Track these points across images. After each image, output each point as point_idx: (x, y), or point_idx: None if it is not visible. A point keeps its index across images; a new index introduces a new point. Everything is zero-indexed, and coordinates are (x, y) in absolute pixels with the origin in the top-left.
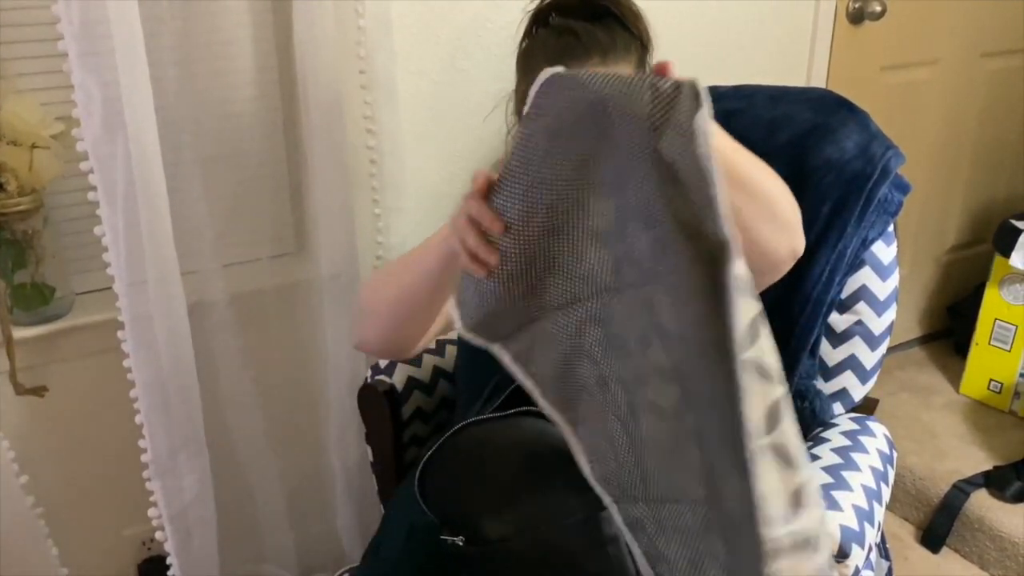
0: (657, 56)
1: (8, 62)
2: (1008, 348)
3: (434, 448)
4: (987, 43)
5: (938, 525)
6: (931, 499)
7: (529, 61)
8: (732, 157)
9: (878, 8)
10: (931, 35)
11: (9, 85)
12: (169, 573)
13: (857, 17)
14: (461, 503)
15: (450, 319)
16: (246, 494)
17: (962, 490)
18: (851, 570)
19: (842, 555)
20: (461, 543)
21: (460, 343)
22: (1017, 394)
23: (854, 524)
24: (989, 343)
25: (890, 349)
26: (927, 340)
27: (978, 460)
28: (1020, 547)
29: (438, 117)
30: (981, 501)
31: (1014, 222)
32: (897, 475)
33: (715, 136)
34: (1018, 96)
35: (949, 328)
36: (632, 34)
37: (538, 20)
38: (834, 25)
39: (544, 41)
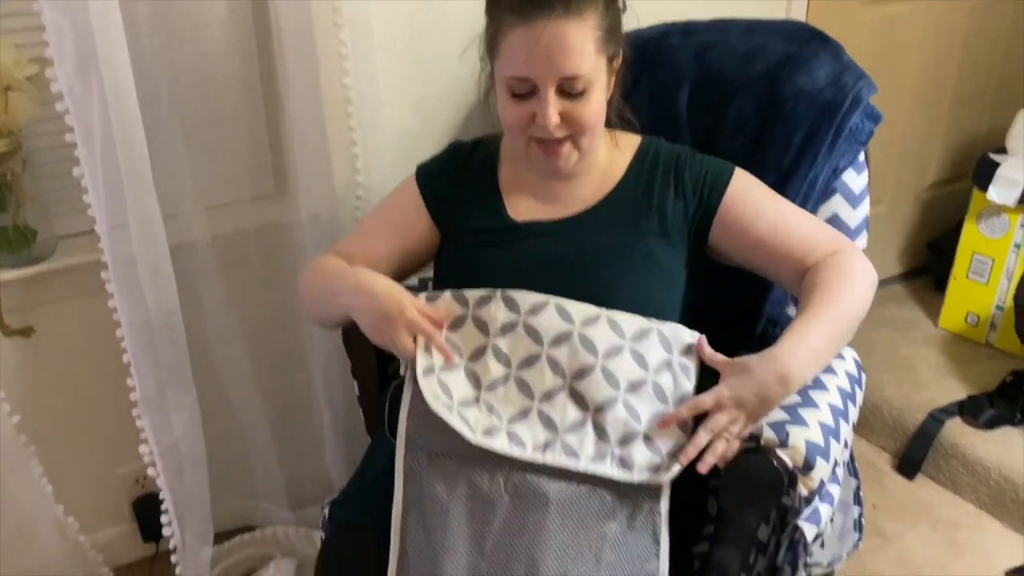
0: None
1: None
2: (985, 281)
3: (392, 388)
4: None
5: (913, 453)
6: (907, 428)
7: (494, 9)
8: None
9: None
10: None
11: None
12: (162, 508)
13: None
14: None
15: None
16: (236, 432)
17: (937, 419)
18: (816, 482)
19: (807, 468)
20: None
21: (437, 281)
22: (993, 326)
23: (819, 440)
24: (967, 277)
25: None
26: (908, 277)
27: (954, 390)
28: (992, 472)
29: (413, 57)
30: (955, 429)
31: (992, 156)
32: (874, 406)
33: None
34: (1000, 31)
35: (929, 264)
36: None
37: None
38: None
39: None
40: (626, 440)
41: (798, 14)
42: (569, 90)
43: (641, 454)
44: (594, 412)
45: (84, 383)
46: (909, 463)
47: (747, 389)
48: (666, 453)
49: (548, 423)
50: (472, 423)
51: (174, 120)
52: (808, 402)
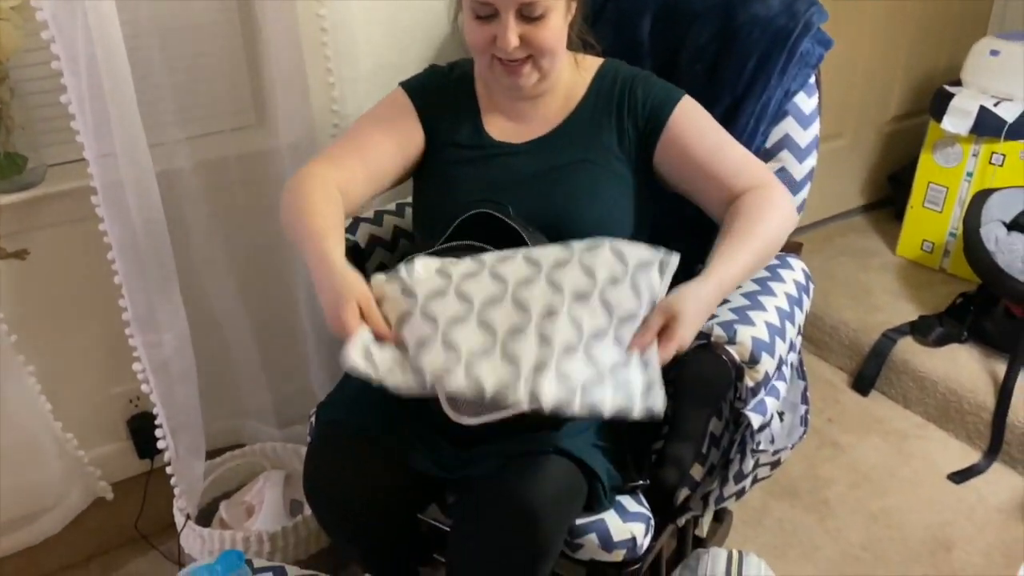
0: None
1: None
2: (940, 209)
3: (387, 277)
4: None
5: (867, 370)
6: (863, 348)
7: None
8: (729, 285)
9: None
10: None
11: None
12: (156, 422)
13: None
14: None
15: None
16: (223, 352)
17: (890, 338)
18: (761, 375)
19: (753, 361)
20: None
21: (416, 195)
22: (947, 252)
23: (765, 336)
24: (923, 206)
25: (832, 218)
26: (869, 208)
27: (907, 312)
28: (939, 385)
29: None
30: (907, 347)
31: (948, 88)
32: (832, 328)
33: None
34: None
35: (890, 196)
36: None
37: None
38: None
39: None
40: (590, 384)
41: None
42: (528, 14)
43: (607, 398)
44: (559, 354)
45: (78, 305)
46: (863, 380)
47: (688, 312)
48: (637, 391)
49: (512, 360)
50: (424, 366)
51: (156, 50)
52: (756, 305)
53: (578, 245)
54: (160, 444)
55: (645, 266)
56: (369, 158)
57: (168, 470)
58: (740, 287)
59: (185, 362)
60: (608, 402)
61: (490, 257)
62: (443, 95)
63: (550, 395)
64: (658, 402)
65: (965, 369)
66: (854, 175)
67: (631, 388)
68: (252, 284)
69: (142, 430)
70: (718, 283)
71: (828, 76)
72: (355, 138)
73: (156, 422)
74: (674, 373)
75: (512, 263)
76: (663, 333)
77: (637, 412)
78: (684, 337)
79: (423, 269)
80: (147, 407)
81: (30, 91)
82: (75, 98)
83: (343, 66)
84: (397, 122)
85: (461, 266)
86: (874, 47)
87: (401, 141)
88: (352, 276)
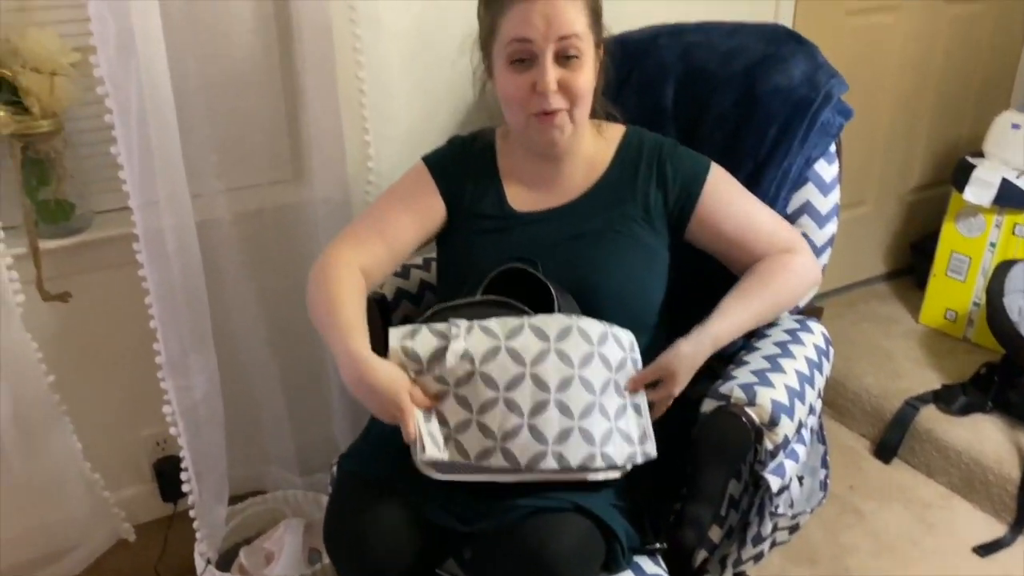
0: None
1: None
2: (963, 279)
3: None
4: None
5: (890, 438)
6: (885, 415)
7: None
8: (724, 341)
9: None
10: None
11: (32, 17)
12: (182, 466)
13: None
14: None
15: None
16: (251, 399)
17: (913, 406)
18: (780, 437)
19: (772, 424)
20: None
21: (440, 259)
22: (971, 322)
23: (784, 399)
24: (946, 274)
25: (855, 284)
26: (892, 276)
27: (930, 380)
28: (963, 456)
29: (421, 51)
30: (930, 416)
31: (969, 159)
32: (854, 394)
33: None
34: (980, 40)
35: (912, 265)
36: None
37: None
38: None
39: None
40: (606, 439)
41: (785, 22)
42: (564, 54)
43: (619, 448)
44: (579, 418)
45: (114, 347)
46: (886, 448)
47: (682, 368)
48: (636, 438)
49: (539, 436)
50: (468, 448)
51: (202, 107)
52: (776, 367)
53: (571, 316)
54: (184, 488)
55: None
56: (391, 236)
57: (191, 514)
58: (759, 349)
59: (213, 407)
60: (620, 453)
61: (501, 329)
62: (465, 166)
63: (576, 458)
64: (653, 448)
65: (990, 440)
66: (877, 242)
67: (631, 435)
68: (281, 333)
69: (167, 473)
70: (713, 341)
71: (850, 144)
72: (377, 217)
73: (182, 465)
74: (693, 434)
75: (523, 337)
76: (655, 384)
77: (640, 457)
78: (674, 392)
79: (452, 358)
80: (173, 450)
81: (82, 142)
82: (124, 149)
83: (379, 125)
84: (418, 198)
85: (480, 345)
86: (896, 117)
87: (422, 217)
88: (388, 369)
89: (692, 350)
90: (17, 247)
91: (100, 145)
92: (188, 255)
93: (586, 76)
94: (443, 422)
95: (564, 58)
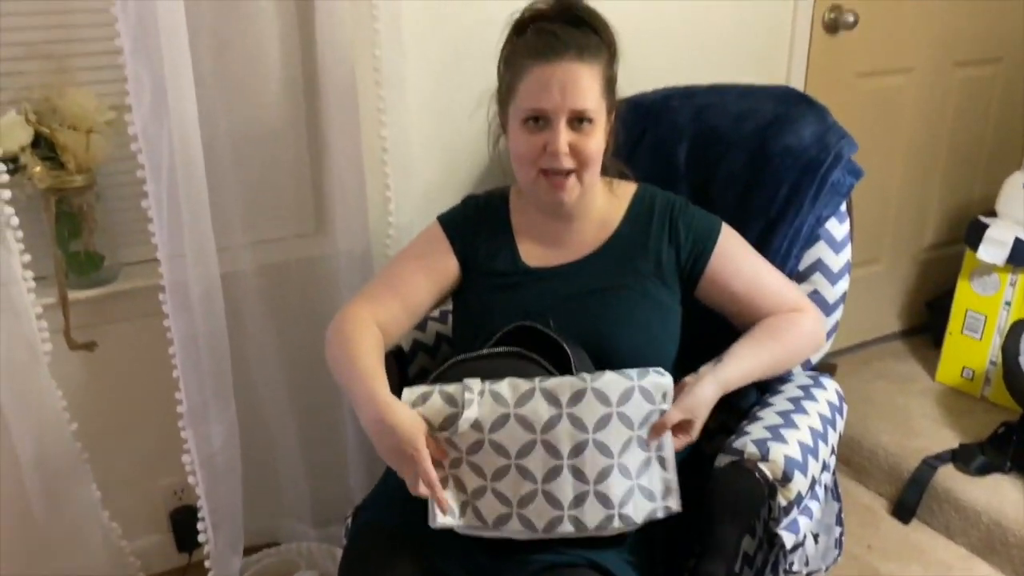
0: (633, 60)
1: (70, 58)
2: (979, 337)
3: (430, 379)
4: (959, 53)
5: (908, 498)
6: (902, 474)
7: (513, 57)
8: (732, 388)
9: (851, 18)
10: (905, 45)
11: (70, 78)
12: (199, 515)
13: (832, 27)
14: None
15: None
16: (268, 450)
17: (931, 465)
18: (793, 493)
19: (785, 479)
20: None
21: (455, 314)
22: (988, 380)
23: (797, 455)
24: (961, 332)
25: (870, 342)
26: (907, 334)
27: (947, 439)
28: (983, 516)
29: (442, 111)
30: (948, 475)
31: (982, 219)
32: (870, 452)
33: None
34: (990, 102)
35: (928, 323)
36: (603, 40)
37: (519, 29)
38: (811, 34)
39: (526, 41)
40: (625, 499)
41: (796, 85)
42: (577, 122)
43: (639, 506)
44: (594, 483)
45: (136, 396)
46: (904, 507)
47: (702, 413)
48: (658, 493)
49: (554, 502)
50: (485, 514)
51: (230, 162)
52: (789, 423)
53: (587, 375)
54: (200, 538)
55: (644, 371)
56: (406, 294)
57: (206, 564)
58: (773, 405)
59: (231, 456)
60: (640, 512)
61: (512, 394)
62: (478, 225)
63: (593, 521)
64: (676, 502)
65: (1009, 500)
66: (891, 300)
67: (653, 492)
68: (300, 384)
69: (183, 523)
70: (724, 386)
71: (863, 202)
72: (392, 276)
73: (199, 515)
74: (707, 489)
75: (534, 403)
76: (678, 426)
77: (661, 513)
78: (693, 437)
79: (464, 425)
80: (191, 500)
81: (112, 196)
82: (154, 203)
83: (400, 181)
84: (432, 257)
85: (490, 413)
86: (909, 177)
87: (436, 276)
88: (407, 412)
89: (712, 394)
90: (47, 297)
91: (130, 199)
92: (212, 306)
93: (597, 140)
94: (461, 488)
95: (577, 121)
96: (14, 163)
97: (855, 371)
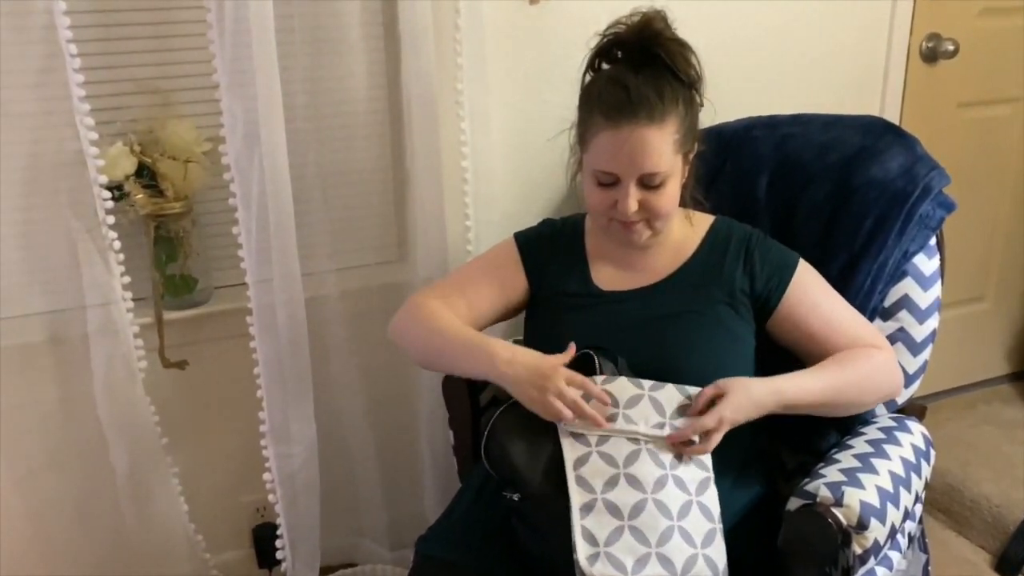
0: (719, 90)
1: (172, 92)
2: None
3: (495, 417)
4: None
5: (1013, 552)
6: (1007, 526)
7: (587, 104)
8: (787, 402)
9: (951, 47)
10: (1010, 73)
11: (172, 111)
12: (278, 532)
13: (931, 56)
14: (516, 466)
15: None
16: (347, 471)
17: None
18: (870, 541)
19: (861, 526)
20: (517, 498)
21: (526, 339)
22: None
23: (875, 501)
24: None
25: (974, 384)
26: (1016, 378)
27: None
28: None
29: (523, 143)
30: None
31: None
32: (973, 502)
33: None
34: None
35: None
36: (680, 81)
37: (600, 54)
38: (907, 64)
39: (600, 89)
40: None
41: (891, 116)
42: (648, 183)
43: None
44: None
45: (223, 414)
46: (1008, 563)
47: (740, 411)
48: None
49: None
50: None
51: (317, 192)
52: (868, 467)
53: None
54: (279, 555)
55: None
56: (471, 298)
57: None
58: (851, 447)
59: (311, 475)
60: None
61: (621, 455)
62: (553, 246)
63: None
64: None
65: None
66: (998, 341)
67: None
68: (379, 406)
69: (264, 539)
70: (775, 391)
71: (966, 238)
72: (462, 279)
73: (278, 532)
74: (779, 533)
75: (644, 465)
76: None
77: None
78: (724, 415)
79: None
80: (272, 518)
81: (207, 222)
82: (244, 230)
83: (479, 211)
84: (502, 270)
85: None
86: (1016, 211)
87: (504, 288)
88: (533, 360)
89: (754, 385)
90: (144, 317)
91: (223, 226)
92: (296, 329)
93: (668, 196)
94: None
95: (648, 180)
96: (119, 190)
97: (958, 415)
